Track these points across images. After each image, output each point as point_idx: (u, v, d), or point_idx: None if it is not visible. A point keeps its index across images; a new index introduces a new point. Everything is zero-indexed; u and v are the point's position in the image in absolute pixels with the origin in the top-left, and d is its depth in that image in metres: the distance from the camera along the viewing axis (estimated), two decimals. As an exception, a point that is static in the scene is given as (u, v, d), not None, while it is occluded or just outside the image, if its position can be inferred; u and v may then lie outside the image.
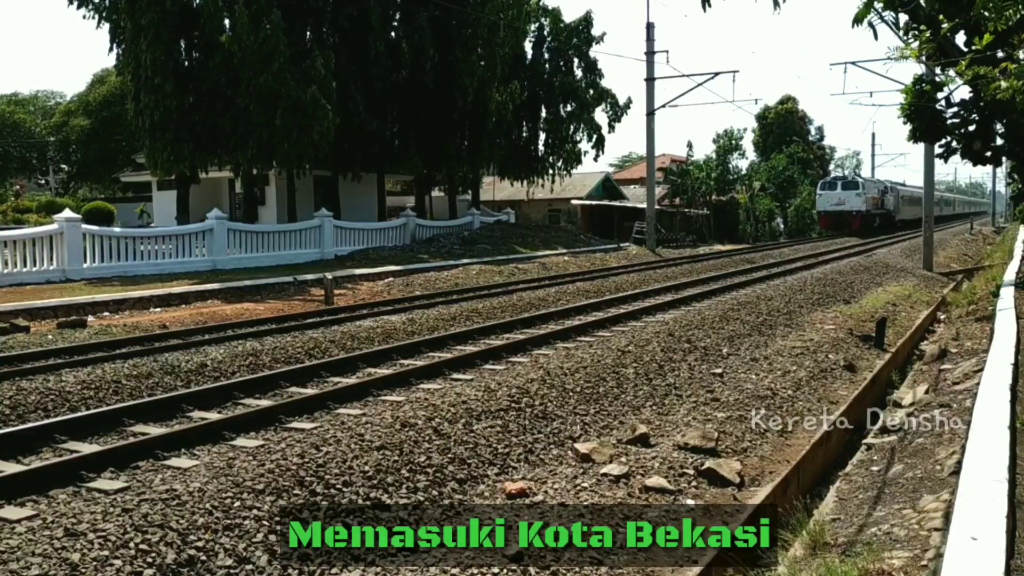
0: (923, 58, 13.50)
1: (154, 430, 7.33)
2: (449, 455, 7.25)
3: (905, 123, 17.23)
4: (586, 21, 40.25)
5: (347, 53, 28.42)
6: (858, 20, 12.03)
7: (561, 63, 40.74)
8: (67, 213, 20.27)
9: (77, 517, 5.32)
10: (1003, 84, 9.75)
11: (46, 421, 7.24)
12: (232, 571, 5.14)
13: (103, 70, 54.31)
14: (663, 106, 35.50)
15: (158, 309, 16.66)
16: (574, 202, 51.03)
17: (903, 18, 14.56)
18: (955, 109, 17.14)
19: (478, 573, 5.50)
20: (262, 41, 24.32)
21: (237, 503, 5.75)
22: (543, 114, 41.71)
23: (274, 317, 14.72)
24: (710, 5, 10.19)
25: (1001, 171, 51.31)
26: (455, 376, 9.71)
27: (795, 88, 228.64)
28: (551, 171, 42.47)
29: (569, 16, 47.42)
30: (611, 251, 36.16)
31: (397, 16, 31.15)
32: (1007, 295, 14.20)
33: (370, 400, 8.61)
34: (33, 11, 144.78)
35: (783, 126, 74.22)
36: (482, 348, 11.11)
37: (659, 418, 9.25)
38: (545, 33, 40.26)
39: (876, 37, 15.76)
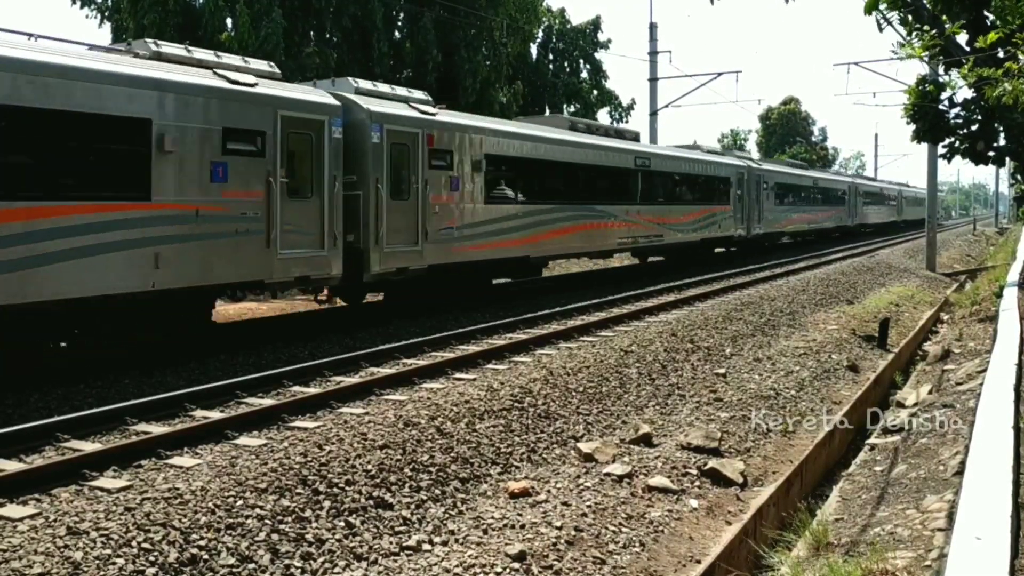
0: (926, 57, 13.47)
1: (156, 429, 7.33)
2: (452, 454, 7.24)
3: (908, 124, 17.20)
4: (595, 25, 40.25)
5: (350, 53, 28.42)
6: (868, 11, 11.97)
7: (566, 64, 40.71)
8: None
9: (79, 516, 5.32)
10: (1007, 86, 9.70)
11: (48, 420, 7.23)
12: (234, 570, 5.14)
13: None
14: (666, 106, 35.40)
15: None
16: None
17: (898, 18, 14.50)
18: (958, 109, 17.12)
19: (480, 572, 5.50)
20: (263, 40, 24.33)
21: (240, 502, 5.75)
22: (546, 115, 41.69)
23: (278, 316, 14.71)
24: None
25: (1004, 172, 51.18)
26: (458, 375, 9.70)
27: (798, 88, 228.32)
28: (553, 171, 42.39)
29: (571, 16, 47.42)
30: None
31: (401, 16, 31.18)
32: (1010, 296, 14.18)
33: (373, 399, 8.60)
34: (34, 10, 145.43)
35: (786, 127, 74.18)
36: (485, 348, 11.09)
37: (662, 418, 9.23)
38: (553, 34, 40.22)
39: (880, 30, 15.75)
